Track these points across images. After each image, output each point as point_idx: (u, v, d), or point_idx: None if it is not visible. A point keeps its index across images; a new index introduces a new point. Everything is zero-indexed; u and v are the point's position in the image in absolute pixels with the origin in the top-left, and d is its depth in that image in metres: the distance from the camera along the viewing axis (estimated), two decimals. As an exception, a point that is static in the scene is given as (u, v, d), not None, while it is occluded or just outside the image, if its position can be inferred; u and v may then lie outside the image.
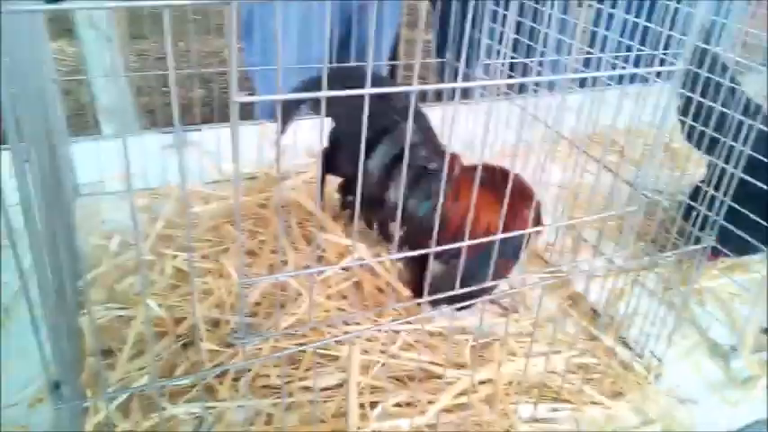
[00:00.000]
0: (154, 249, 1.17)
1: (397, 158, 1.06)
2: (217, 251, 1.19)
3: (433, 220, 0.73)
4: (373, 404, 0.91)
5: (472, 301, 0.86)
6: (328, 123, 1.10)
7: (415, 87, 0.64)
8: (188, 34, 1.50)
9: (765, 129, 1.00)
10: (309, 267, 0.69)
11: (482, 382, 0.97)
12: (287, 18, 1.91)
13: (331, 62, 2.05)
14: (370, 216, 1.14)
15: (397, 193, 1.06)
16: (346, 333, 0.99)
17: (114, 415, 0.87)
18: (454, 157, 1.10)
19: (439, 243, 0.74)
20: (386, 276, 1.13)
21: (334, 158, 1.11)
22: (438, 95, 1.89)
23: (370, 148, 1.06)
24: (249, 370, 0.94)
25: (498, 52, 1.51)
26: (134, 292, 1.07)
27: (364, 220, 1.15)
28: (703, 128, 1.14)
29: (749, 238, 1.07)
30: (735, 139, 1.00)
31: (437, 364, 0.96)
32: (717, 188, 0.99)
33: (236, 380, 0.93)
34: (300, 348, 0.91)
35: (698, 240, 0.98)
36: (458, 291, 0.77)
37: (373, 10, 0.67)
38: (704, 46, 1.18)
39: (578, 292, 1.20)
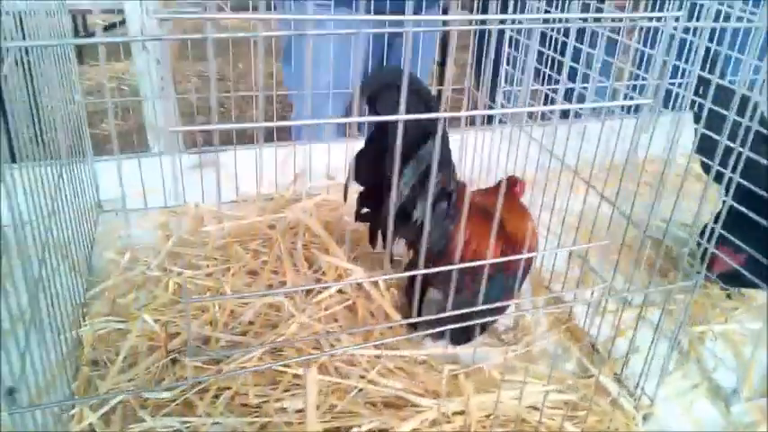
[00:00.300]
0: (162, 266, 1.22)
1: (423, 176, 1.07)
2: (221, 270, 1.23)
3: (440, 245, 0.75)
4: (348, 428, 0.93)
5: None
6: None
7: (444, 114, 0.69)
8: (241, 56, 1.54)
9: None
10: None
11: (460, 413, 0.96)
12: (323, 44, 1.95)
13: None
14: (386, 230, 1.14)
15: (423, 211, 1.05)
16: (311, 354, 1.01)
17: (97, 423, 0.91)
18: (462, 185, 1.10)
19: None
20: (379, 300, 1.14)
21: (362, 165, 1.09)
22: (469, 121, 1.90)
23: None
24: (229, 388, 0.97)
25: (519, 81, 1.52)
26: (136, 306, 1.12)
27: (375, 234, 1.15)
28: (720, 167, 1.11)
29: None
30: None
31: (413, 393, 0.97)
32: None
33: (216, 397, 0.96)
34: (258, 368, 0.93)
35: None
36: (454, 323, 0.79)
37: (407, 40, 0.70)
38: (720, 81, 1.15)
39: (578, 325, 1.18)
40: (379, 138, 1.05)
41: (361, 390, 0.98)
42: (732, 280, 1.19)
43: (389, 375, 1.01)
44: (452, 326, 0.82)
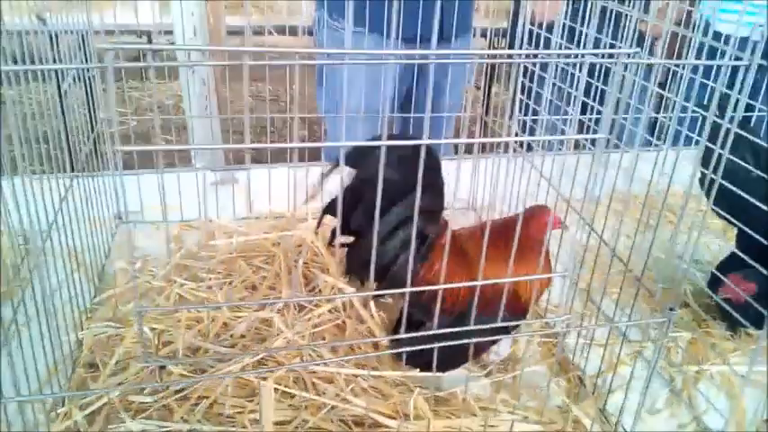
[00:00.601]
0: (167, 276, 1.28)
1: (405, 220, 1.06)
2: (222, 283, 1.28)
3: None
4: (318, 442, 0.95)
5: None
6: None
7: (424, 141, 0.72)
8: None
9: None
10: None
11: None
12: (354, 69, 2.00)
13: (393, 112, 2.15)
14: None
15: (405, 266, 1.04)
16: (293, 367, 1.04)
17: (81, 422, 0.97)
18: (444, 223, 1.12)
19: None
20: (367, 320, 1.17)
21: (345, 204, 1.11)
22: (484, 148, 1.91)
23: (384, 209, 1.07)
24: (208, 397, 1.01)
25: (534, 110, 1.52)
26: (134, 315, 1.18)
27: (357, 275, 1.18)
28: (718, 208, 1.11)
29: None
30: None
31: (381, 413, 0.98)
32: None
33: (195, 404, 1.01)
34: (219, 375, 0.96)
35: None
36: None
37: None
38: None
39: (567, 356, 1.17)
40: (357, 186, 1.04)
41: (333, 407, 1.00)
42: (740, 311, 1.15)
43: (363, 395, 1.02)
44: (414, 348, 0.84)
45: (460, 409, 1.03)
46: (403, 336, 0.86)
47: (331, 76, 2.19)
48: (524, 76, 1.52)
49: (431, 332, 0.85)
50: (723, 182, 1.13)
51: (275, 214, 1.53)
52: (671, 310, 0.88)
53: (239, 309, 1.20)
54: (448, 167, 1.47)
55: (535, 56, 0.94)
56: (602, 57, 0.72)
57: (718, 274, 1.15)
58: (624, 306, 1.14)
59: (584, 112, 1.55)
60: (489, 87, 1.51)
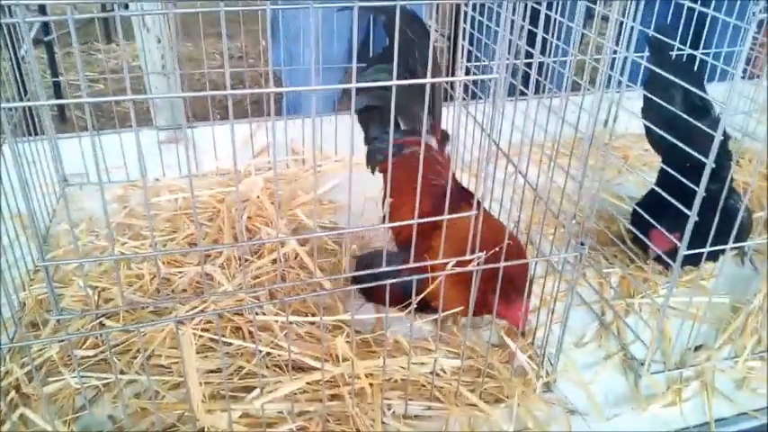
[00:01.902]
0: (108, 235, 1.30)
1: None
2: (166, 240, 1.30)
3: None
4: (251, 388, 0.98)
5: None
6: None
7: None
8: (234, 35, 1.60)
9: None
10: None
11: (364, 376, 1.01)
12: (307, 19, 1.99)
13: (350, 62, 2.13)
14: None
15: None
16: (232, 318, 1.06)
17: (21, 378, 0.99)
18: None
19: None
20: (309, 263, 1.19)
21: None
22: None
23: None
24: (146, 349, 1.04)
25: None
26: (79, 273, 1.20)
27: None
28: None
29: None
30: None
31: (314, 357, 1.01)
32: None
33: (134, 357, 1.04)
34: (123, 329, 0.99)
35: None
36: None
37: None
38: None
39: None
40: None
41: (268, 354, 1.03)
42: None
43: (299, 340, 1.06)
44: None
45: (392, 350, 1.06)
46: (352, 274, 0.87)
47: (284, 27, 2.17)
48: (464, 21, 1.52)
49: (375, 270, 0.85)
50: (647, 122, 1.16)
51: (221, 171, 1.54)
52: (581, 244, 0.91)
53: (181, 264, 1.23)
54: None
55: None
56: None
57: (639, 209, 1.17)
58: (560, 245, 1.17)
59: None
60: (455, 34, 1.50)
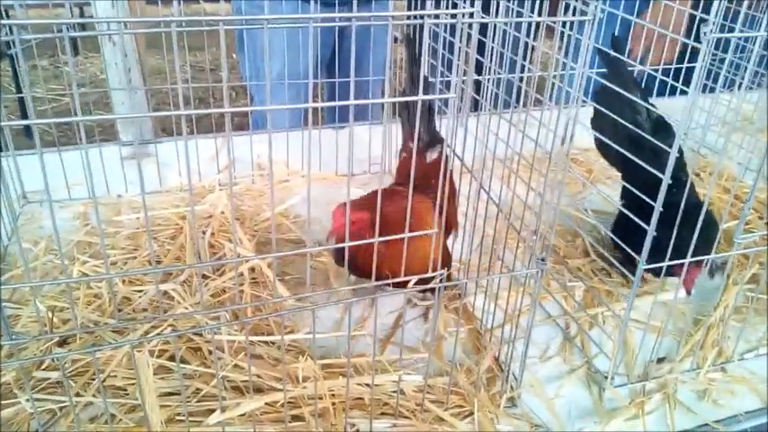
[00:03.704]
0: (70, 254, 1.28)
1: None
2: (126, 258, 1.28)
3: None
4: (210, 411, 0.96)
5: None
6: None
7: None
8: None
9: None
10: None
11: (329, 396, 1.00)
12: (274, 34, 1.99)
13: (318, 77, 2.14)
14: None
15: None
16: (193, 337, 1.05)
17: (-26, 404, 0.97)
18: None
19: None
20: (270, 281, 1.18)
21: None
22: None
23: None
24: (102, 371, 1.01)
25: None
26: (40, 293, 1.18)
27: None
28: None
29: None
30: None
31: (274, 378, 1.00)
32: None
33: (92, 379, 1.01)
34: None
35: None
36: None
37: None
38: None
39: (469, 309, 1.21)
40: None
41: (227, 376, 1.02)
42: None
43: (257, 360, 1.04)
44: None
45: (355, 368, 1.05)
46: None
47: (251, 42, 2.17)
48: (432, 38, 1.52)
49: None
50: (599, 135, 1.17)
51: (185, 187, 1.52)
52: (542, 261, 0.91)
53: (142, 282, 1.20)
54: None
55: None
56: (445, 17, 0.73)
57: (616, 239, 1.16)
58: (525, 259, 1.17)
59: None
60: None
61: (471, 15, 0.71)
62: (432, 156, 1.24)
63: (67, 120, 0.61)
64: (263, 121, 2.26)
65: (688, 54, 1.87)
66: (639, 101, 1.15)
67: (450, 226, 1.19)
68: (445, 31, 1.27)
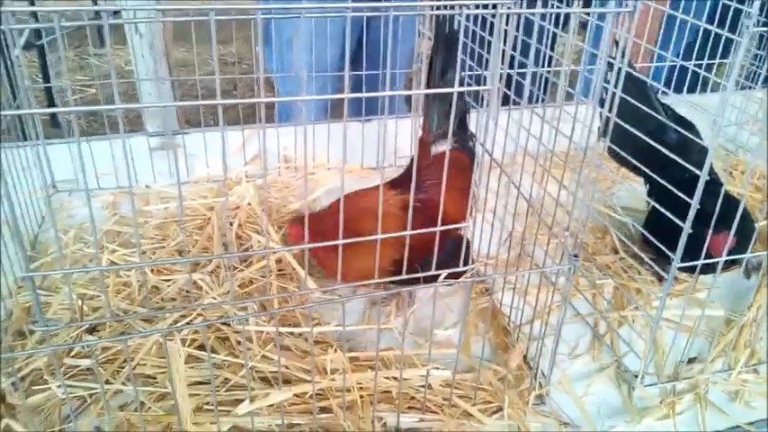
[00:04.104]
0: (99, 243, 1.29)
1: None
2: (155, 248, 1.28)
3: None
4: (238, 401, 0.97)
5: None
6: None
7: None
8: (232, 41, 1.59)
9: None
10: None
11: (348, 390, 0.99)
12: (299, 25, 1.98)
13: (342, 70, 2.13)
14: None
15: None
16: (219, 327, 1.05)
17: (7, 389, 0.98)
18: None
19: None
20: (299, 271, 1.18)
21: None
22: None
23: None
24: (132, 359, 1.02)
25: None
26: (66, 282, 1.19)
27: None
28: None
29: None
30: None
31: (302, 369, 1.00)
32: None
33: (121, 367, 1.02)
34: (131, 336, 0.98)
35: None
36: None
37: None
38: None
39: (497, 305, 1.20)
40: None
41: (255, 367, 1.02)
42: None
43: (284, 353, 1.04)
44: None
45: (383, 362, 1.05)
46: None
47: (277, 34, 2.17)
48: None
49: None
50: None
51: (212, 178, 1.53)
52: (575, 257, 0.90)
53: (170, 272, 1.21)
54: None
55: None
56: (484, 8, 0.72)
57: (648, 235, 1.14)
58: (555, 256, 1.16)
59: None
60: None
61: (510, 6, 0.69)
62: (438, 149, 1.22)
63: (110, 107, 0.61)
64: (286, 114, 2.26)
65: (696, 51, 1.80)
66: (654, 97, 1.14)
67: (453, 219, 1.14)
68: (474, 23, 1.26)
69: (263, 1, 2.20)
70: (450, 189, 0.82)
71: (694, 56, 1.71)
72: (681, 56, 1.97)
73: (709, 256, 0.98)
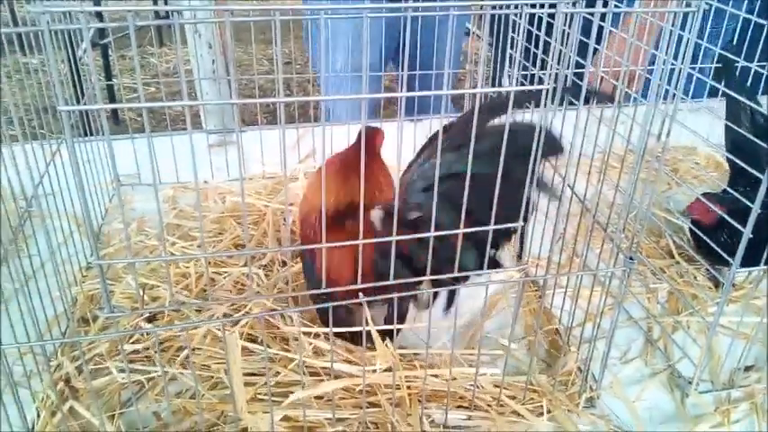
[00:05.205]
0: (160, 236, 1.33)
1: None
2: (212, 242, 1.32)
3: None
4: (288, 393, 0.99)
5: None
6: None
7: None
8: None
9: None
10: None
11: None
12: (338, 27, 2.00)
13: (383, 70, 2.14)
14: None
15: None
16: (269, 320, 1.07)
17: (72, 372, 1.02)
18: None
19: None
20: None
21: None
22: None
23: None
24: (188, 347, 1.05)
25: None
26: (129, 271, 1.23)
27: None
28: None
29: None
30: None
31: (347, 363, 1.01)
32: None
33: (177, 355, 1.06)
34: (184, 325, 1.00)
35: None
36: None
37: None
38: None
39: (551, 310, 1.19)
40: None
41: (304, 361, 1.04)
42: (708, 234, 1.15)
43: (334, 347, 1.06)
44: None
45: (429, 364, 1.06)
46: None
47: (316, 35, 2.19)
48: (513, 30, 1.51)
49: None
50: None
51: (268, 175, 1.56)
52: (630, 259, 0.89)
53: (225, 264, 1.24)
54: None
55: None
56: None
57: (711, 242, 1.12)
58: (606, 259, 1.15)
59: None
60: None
61: (573, 5, 0.69)
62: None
63: (191, 103, 0.64)
64: (329, 115, 2.28)
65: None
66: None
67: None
68: (529, 23, 1.25)
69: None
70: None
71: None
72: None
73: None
